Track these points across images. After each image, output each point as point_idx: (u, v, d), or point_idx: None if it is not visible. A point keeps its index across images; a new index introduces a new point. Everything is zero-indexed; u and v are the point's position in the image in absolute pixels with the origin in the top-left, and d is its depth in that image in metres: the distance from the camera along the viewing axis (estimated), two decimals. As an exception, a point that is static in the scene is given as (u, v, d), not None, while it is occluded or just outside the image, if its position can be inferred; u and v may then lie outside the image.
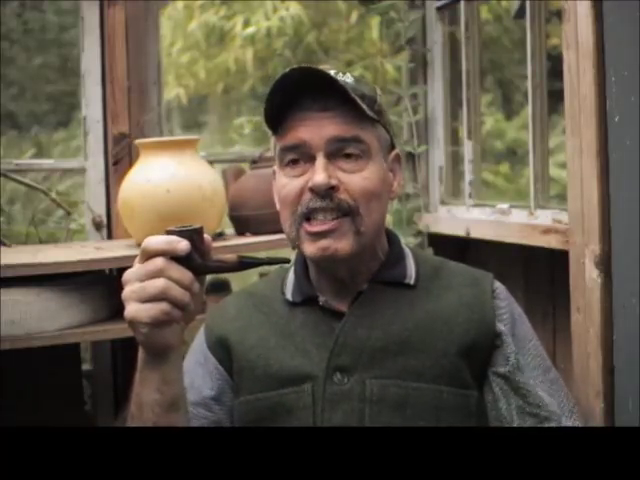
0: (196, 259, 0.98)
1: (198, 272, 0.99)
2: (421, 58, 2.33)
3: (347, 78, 1.15)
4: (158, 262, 0.96)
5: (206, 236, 1.01)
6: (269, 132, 1.21)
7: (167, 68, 4.40)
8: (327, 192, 1.11)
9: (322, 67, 1.18)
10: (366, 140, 1.14)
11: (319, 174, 1.11)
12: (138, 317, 0.96)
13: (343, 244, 1.12)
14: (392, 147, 1.22)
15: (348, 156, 1.13)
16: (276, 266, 1.27)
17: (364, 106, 1.12)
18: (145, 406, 1.04)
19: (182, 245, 0.96)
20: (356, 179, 1.13)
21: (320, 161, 1.11)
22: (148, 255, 0.97)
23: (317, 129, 1.12)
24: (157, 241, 0.97)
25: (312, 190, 1.11)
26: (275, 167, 1.21)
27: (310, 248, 1.14)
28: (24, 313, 1.70)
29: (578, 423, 1.19)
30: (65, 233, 2.28)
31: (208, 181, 1.85)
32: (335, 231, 1.12)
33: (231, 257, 1.02)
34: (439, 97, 2.31)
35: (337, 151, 1.13)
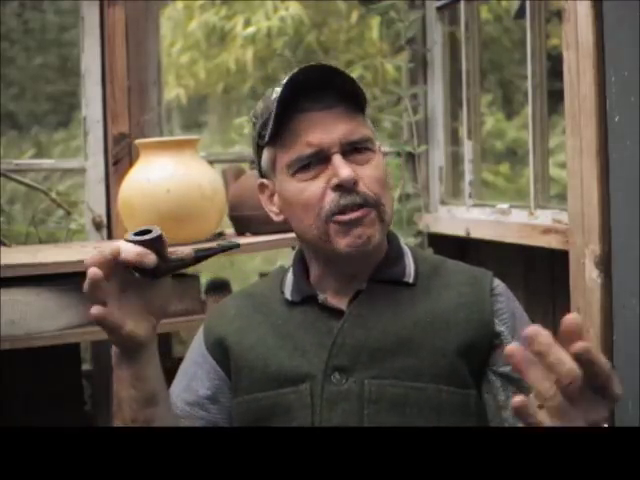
0: (159, 264, 1.00)
1: (160, 276, 1.02)
2: (421, 58, 2.33)
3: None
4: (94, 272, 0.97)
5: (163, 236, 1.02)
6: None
7: (167, 68, 4.39)
8: (352, 187, 1.12)
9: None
10: (369, 135, 1.16)
11: (344, 170, 1.11)
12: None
13: (373, 231, 1.14)
14: None
15: (358, 150, 1.15)
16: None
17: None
18: (123, 402, 1.07)
19: (150, 259, 0.99)
20: (370, 171, 1.14)
21: (338, 158, 1.12)
22: (114, 260, 0.98)
23: (326, 132, 1.12)
24: (129, 251, 0.98)
25: (339, 187, 1.12)
26: (267, 180, 1.20)
27: (344, 241, 1.13)
28: (24, 313, 1.70)
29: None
30: (65, 233, 2.28)
31: (208, 181, 1.85)
32: (365, 218, 1.13)
33: (188, 252, 1.04)
34: (439, 97, 2.31)
35: (349, 148, 1.14)
